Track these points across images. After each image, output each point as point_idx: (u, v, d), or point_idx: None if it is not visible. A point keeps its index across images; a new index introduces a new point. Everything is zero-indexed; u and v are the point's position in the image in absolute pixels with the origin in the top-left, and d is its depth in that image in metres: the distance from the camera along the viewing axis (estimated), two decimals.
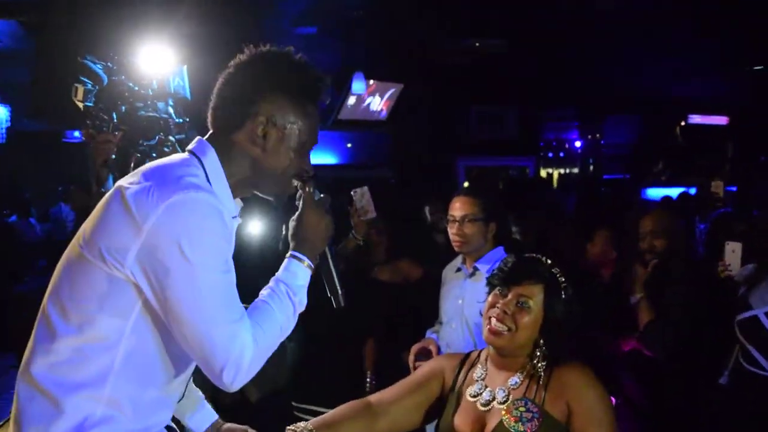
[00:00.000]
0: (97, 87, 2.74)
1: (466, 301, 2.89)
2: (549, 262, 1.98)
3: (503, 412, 1.86)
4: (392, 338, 3.52)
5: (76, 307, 1.46)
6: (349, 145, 9.98)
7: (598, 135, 13.25)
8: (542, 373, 1.91)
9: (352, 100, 8.46)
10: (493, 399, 1.92)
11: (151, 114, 2.79)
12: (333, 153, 9.86)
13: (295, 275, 1.60)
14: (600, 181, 12.44)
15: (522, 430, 1.82)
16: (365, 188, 3.48)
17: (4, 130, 8.61)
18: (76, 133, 9.32)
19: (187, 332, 1.43)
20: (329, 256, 1.71)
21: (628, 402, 3.03)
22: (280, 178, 1.61)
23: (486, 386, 1.97)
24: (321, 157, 9.50)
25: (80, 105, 2.72)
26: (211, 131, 1.61)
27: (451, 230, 2.94)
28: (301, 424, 1.83)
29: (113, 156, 2.82)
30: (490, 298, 1.97)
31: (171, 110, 2.88)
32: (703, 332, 2.79)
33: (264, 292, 1.58)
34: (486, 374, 2.00)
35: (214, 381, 1.47)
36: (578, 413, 1.82)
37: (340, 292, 1.73)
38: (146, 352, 1.50)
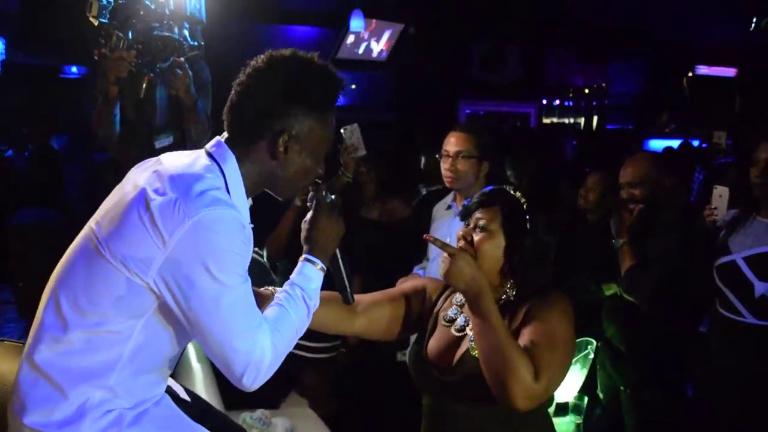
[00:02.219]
0: (112, 2, 2.70)
1: (453, 238, 2.87)
2: (512, 189, 1.94)
3: (472, 339, 1.84)
4: (379, 276, 3.54)
5: (91, 304, 1.49)
6: (353, 86, 9.86)
7: (603, 84, 13.05)
8: (515, 302, 1.85)
9: (350, 39, 8.32)
10: (467, 325, 1.89)
11: (165, 34, 2.76)
12: None
13: (310, 278, 1.65)
14: (603, 130, 12.30)
15: None
16: (355, 125, 3.46)
17: None
18: (74, 69, 9.24)
19: (210, 340, 1.49)
20: (339, 256, 1.76)
21: (609, 345, 3.08)
22: (294, 185, 1.66)
23: (461, 312, 1.94)
24: None
25: (94, 21, 2.69)
26: (227, 135, 1.61)
27: (444, 165, 2.95)
28: (271, 288, 1.83)
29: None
30: (458, 233, 1.95)
31: (186, 33, 2.85)
32: (685, 279, 2.77)
33: (280, 296, 1.63)
34: (463, 301, 1.96)
35: (234, 383, 1.53)
36: (524, 325, 1.77)
37: (348, 289, 1.80)
38: (154, 345, 1.56)
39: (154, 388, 1.61)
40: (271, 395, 3.13)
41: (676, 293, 2.76)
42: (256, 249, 3.98)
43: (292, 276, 1.67)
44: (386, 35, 8.82)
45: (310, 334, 1.74)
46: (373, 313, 1.99)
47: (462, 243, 1.89)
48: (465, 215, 1.93)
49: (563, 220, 3.61)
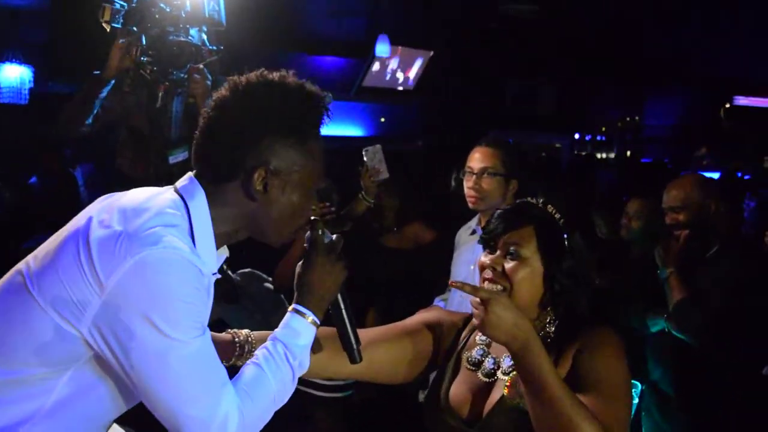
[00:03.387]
0: (125, 5, 2.53)
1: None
2: (541, 201, 1.65)
3: (506, 386, 1.54)
4: (395, 309, 3.28)
5: (5, 347, 1.26)
6: (382, 120, 9.73)
7: (637, 117, 12.81)
8: (557, 339, 1.57)
9: (376, 67, 8.18)
10: (497, 368, 1.61)
11: (182, 39, 2.57)
12: (360, 125, 9.62)
13: (297, 334, 1.40)
14: (638, 164, 11.99)
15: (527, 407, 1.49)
16: (378, 146, 3.22)
17: (27, 92, 8.55)
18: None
19: (158, 405, 1.26)
20: (342, 306, 1.50)
21: (655, 389, 2.75)
22: (282, 228, 1.42)
23: (489, 353, 1.65)
24: (347, 129, 9.26)
25: (107, 27, 2.54)
26: (196, 171, 1.39)
27: (467, 184, 2.69)
28: (244, 331, 1.56)
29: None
30: (480, 260, 1.64)
31: (204, 37, 2.65)
32: (744, 311, 2.46)
33: (258, 353, 1.38)
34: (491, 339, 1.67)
35: None
36: (578, 373, 1.48)
37: (355, 347, 1.51)
38: (82, 403, 1.30)
39: None
40: None
41: (733, 328, 2.45)
42: (271, 279, 3.76)
43: (277, 330, 1.41)
44: (417, 63, 8.68)
45: None
46: (373, 353, 1.64)
47: (489, 274, 1.59)
48: (489, 240, 1.63)
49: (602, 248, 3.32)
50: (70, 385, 1.27)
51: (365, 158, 3.24)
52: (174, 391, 1.23)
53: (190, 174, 1.39)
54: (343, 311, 1.49)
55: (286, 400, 1.37)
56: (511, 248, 1.58)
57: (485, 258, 1.62)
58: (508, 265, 1.57)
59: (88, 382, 1.28)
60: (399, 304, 3.29)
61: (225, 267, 3.74)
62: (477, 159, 2.69)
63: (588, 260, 1.61)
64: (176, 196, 1.35)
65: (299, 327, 1.40)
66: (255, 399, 1.30)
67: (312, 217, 1.45)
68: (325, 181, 3.44)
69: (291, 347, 1.37)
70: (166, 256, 1.21)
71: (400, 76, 8.72)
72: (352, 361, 1.51)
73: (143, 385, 1.23)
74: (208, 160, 1.37)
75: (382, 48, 7.19)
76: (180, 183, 1.38)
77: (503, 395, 1.54)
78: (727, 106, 12.31)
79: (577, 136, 12.55)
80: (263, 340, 1.43)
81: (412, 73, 8.81)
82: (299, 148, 1.36)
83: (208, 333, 1.29)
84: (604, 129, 13.10)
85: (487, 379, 1.61)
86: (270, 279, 3.68)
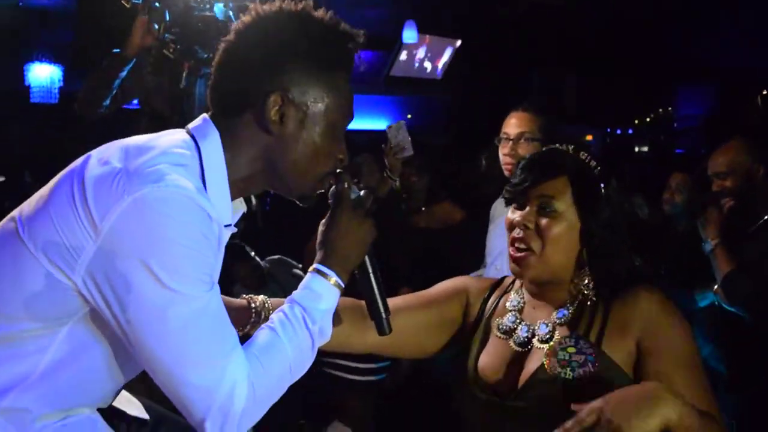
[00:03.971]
0: None
1: None
2: (572, 148, 1.48)
3: (546, 354, 1.41)
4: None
5: None
6: (409, 116, 9.65)
7: (670, 108, 12.55)
8: (598, 301, 1.43)
9: (404, 56, 8.10)
10: (533, 336, 1.47)
11: (207, 14, 2.43)
12: (388, 119, 9.56)
13: (318, 296, 1.25)
14: (672, 156, 11.75)
15: (570, 377, 1.36)
16: (402, 121, 3.17)
17: (57, 91, 8.63)
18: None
19: (157, 369, 1.12)
20: (371, 271, 1.36)
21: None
22: (303, 173, 1.27)
23: (522, 320, 1.50)
24: (375, 123, 9.20)
25: (126, 3, 2.46)
26: (212, 112, 1.28)
27: (503, 150, 2.57)
28: (261, 297, 1.44)
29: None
30: (507, 218, 1.48)
31: (231, 13, 2.50)
32: None
33: (274, 317, 1.24)
34: (523, 304, 1.53)
35: (198, 430, 1.14)
36: (654, 353, 1.35)
37: (384, 316, 1.37)
38: (80, 367, 1.17)
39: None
40: (310, 422, 2.79)
41: None
42: (301, 267, 3.69)
43: (295, 291, 1.27)
44: (447, 53, 8.58)
45: None
46: (396, 323, 1.44)
47: (519, 233, 1.44)
48: (517, 194, 1.47)
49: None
50: (63, 346, 1.14)
51: (388, 135, 3.17)
52: (174, 353, 1.09)
53: (204, 114, 1.27)
54: (371, 276, 1.36)
55: (304, 371, 1.24)
56: (543, 202, 1.43)
57: (513, 215, 1.46)
58: (542, 221, 1.42)
59: (85, 343, 1.16)
60: (430, 284, 3.21)
61: (253, 253, 3.69)
62: (513, 124, 2.58)
63: (626, 209, 1.48)
64: (187, 136, 1.23)
65: (320, 289, 1.26)
66: (268, 368, 1.16)
67: (338, 170, 1.32)
68: (360, 156, 3.34)
69: (310, 311, 1.23)
70: (168, 195, 1.09)
71: (428, 65, 8.63)
72: (381, 332, 1.38)
73: (140, 345, 1.10)
74: (222, 90, 1.25)
75: (409, 34, 7.09)
76: (193, 123, 1.27)
77: (542, 365, 1.41)
78: (765, 92, 12.00)
79: (608, 129, 12.34)
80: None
81: (441, 62, 8.72)
82: (324, 78, 1.23)
83: (217, 289, 1.16)
84: (636, 122, 12.86)
85: (520, 349, 1.47)
86: (300, 266, 3.61)
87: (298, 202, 1.32)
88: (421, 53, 8.42)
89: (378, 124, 9.37)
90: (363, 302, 1.44)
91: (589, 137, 11.69)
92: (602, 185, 1.44)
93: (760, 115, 11.87)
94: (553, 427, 1.31)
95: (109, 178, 1.10)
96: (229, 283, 3.56)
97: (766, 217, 2.50)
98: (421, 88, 8.96)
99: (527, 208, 1.44)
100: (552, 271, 1.45)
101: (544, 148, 1.56)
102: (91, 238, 1.08)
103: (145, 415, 1.36)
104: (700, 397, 1.32)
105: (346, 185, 1.32)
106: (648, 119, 12.81)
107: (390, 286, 3.16)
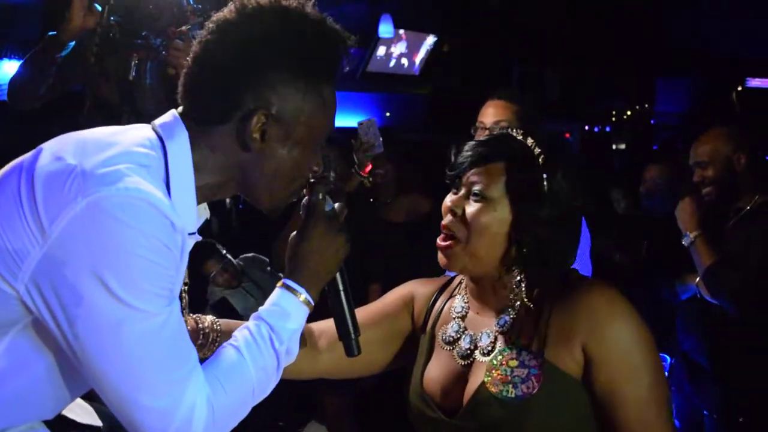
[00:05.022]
0: None
1: None
2: (522, 133, 1.34)
3: (486, 370, 1.27)
4: (399, 282, 3.13)
5: None
6: (387, 114, 9.59)
7: (647, 105, 12.59)
8: (540, 305, 1.27)
9: (381, 51, 8.04)
10: (475, 347, 1.33)
11: None
12: (363, 115, 9.50)
13: (286, 315, 1.17)
14: (649, 152, 11.81)
15: (512, 396, 1.22)
16: (372, 118, 3.17)
17: None
18: None
19: (108, 389, 1.02)
20: (341, 288, 1.28)
21: (687, 361, 2.57)
22: (279, 188, 1.18)
23: (465, 328, 1.37)
24: (351, 120, 9.14)
25: None
26: (182, 110, 1.16)
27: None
28: (209, 317, 1.34)
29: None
30: (444, 203, 1.36)
31: None
32: None
33: (239, 335, 1.15)
34: (468, 310, 1.39)
35: None
36: (600, 360, 1.21)
37: (353, 337, 1.29)
38: (16, 383, 1.06)
39: None
40: (287, 423, 2.71)
41: None
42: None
43: (262, 308, 1.19)
44: (423, 49, 8.54)
45: None
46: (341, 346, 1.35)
47: (448, 219, 1.32)
48: (453, 177, 1.34)
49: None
50: (2, 359, 1.04)
51: (359, 131, 3.14)
52: (127, 373, 1.00)
53: (173, 111, 1.16)
54: (342, 294, 1.28)
55: (267, 393, 1.15)
56: (475, 187, 1.30)
57: (447, 199, 1.34)
58: (470, 207, 1.29)
59: (27, 356, 1.05)
60: (402, 279, 3.15)
61: (224, 251, 3.58)
62: (489, 113, 2.47)
63: (575, 209, 1.31)
64: (153, 133, 1.12)
65: (289, 306, 1.17)
66: (229, 391, 1.08)
67: (311, 180, 1.22)
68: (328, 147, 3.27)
69: (278, 330, 1.15)
70: (126, 200, 0.98)
71: (405, 62, 8.59)
72: (350, 353, 1.29)
73: (90, 364, 1.00)
74: (197, 94, 1.13)
75: (385, 28, 7.03)
76: (160, 120, 1.15)
77: (483, 382, 1.27)
78: (739, 89, 12.10)
79: (586, 127, 12.34)
80: (231, 330, 1.20)
81: (418, 58, 8.68)
82: (309, 92, 1.13)
83: (177, 304, 1.06)
84: (614, 117, 12.86)
85: (463, 362, 1.34)
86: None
87: (265, 212, 1.24)
88: (398, 49, 8.38)
89: (354, 121, 9.31)
90: (312, 327, 1.37)
91: (567, 135, 11.75)
92: (545, 176, 1.28)
93: (735, 111, 12.00)
94: None
95: (62, 177, 0.99)
96: (203, 283, 3.47)
97: (748, 207, 2.45)
98: (399, 84, 8.91)
99: (460, 192, 1.33)
100: (481, 266, 1.31)
101: (495, 132, 1.47)
102: (37, 243, 0.98)
103: (98, 422, 1.25)
104: (649, 422, 1.20)
105: (320, 196, 1.24)
106: (625, 116, 12.86)
107: (359, 284, 3.11)
